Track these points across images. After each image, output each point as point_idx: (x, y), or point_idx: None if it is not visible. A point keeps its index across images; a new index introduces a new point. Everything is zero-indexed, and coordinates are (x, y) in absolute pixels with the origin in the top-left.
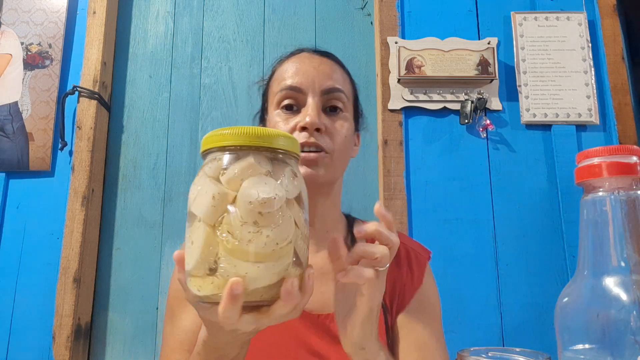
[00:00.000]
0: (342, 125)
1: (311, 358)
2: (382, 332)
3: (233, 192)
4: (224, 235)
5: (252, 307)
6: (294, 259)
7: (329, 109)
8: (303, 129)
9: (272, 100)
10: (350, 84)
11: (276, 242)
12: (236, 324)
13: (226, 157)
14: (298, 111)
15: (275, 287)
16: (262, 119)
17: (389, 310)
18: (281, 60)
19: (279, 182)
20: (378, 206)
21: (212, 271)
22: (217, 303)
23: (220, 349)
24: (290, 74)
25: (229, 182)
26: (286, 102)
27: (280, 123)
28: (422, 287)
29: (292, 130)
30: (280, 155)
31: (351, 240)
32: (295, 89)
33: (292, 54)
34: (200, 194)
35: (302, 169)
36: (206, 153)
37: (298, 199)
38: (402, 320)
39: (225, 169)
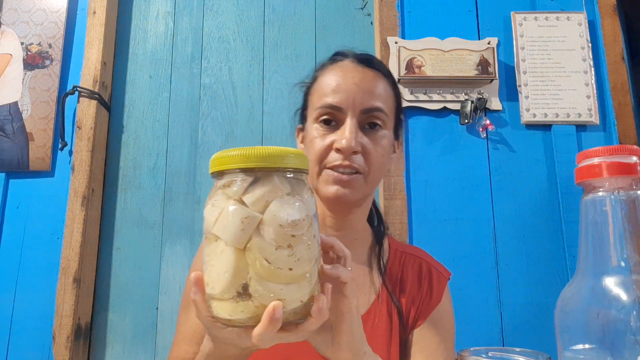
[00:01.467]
0: (380, 144)
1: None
2: (396, 345)
3: (260, 215)
4: (257, 259)
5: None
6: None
7: (368, 125)
8: (338, 150)
9: (312, 112)
10: (392, 95)
11: (307, 262)
12: (268, 344)
13: (248, 179)
14: (337, 126)
15: (307, 306)
16: (303, 123)
17: (405, 324)
18: (323, 66)
19: (300, 202)
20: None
21: (241, 295)
22: (249, 326)
23: None
24: (331, 89)
25: (255, 204)
26: (324, 117)
27: (317, 139)
28: (440, 305)
29: (329, 148)
30: (297, 174)
31: (379, 251)
32: (335, 108)
33: (334, 60)
34: (225, 217)
35: (334, 188)
36: (221, 173)
37: (315, 215)
38: (417, 335)
39: (248, 191)
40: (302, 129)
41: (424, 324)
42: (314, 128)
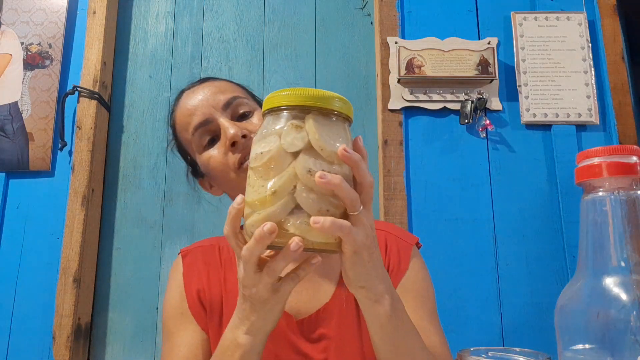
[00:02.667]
0: (260, 122)
1: (296, 358)
2: (366, 327)
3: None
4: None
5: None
6: (293, 207)
7: (239, 117)
8: (232, 145)
9: (192, 148)
10: (241, 88)
11: (270, 189)
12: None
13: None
14: (219, 138)
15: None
16: (195, 171)
17: None
18: (172, 112)
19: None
20: (359, 142)
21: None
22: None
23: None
24: (189, 114)
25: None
26: (207, 139)
27: (212, 159)
28: (408, 272)
29: (226, 151)
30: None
31: None
32: (204, 123)
33: (177, 99)
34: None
35: None
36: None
37: (307, 150)
38: None
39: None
40: (202, 177)
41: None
42: (204, 155)
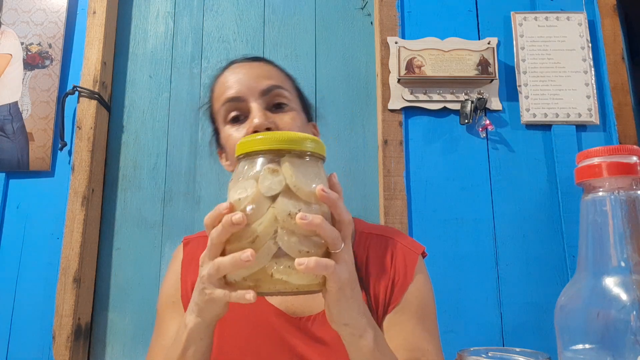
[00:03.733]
0: (293, 118)
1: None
2: None
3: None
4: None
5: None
6: (276, 251)
7: (274, 107)
8: (254, 132)
9: (219, 118)
10: (289, 79)
11: (251, 236)
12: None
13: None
14: (245, 119)
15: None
16: (217, 140)
17: (375, 309)
18: (215, 77)
19: (252, 182)
20: (334, 178)
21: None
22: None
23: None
24: (226, 86)
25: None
26: (232, 114)
27: (231, 136)
28: (413, 284)
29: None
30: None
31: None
32: (236, 99)
33: (224, 68)
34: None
35: None
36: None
37: (285, 193)
38: (390, 319)
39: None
40: (220, 149)
41: (398, 306)
42: (226, 129)
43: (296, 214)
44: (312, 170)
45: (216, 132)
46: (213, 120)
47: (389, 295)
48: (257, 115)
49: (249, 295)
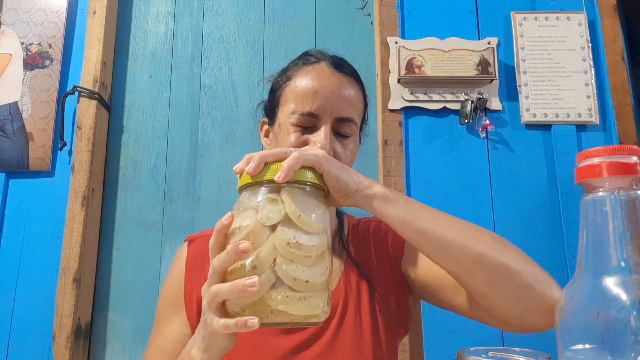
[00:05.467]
0: (350, 150)
1: (288, 357)
2: (366, 313)
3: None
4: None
5: None
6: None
7: (339, 134)
8: None
9: (286, 113)
10: (362, 100)
11: (251, 265)
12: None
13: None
14: (310, 129)
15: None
16: (270, 118)
17: (383, 281)
18: (298, 67)
19: (253, 212)
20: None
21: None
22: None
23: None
24: (309, 95)
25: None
26: (299, 121)
27: (290, 137)
28: (406, 249)
29: (303, 144)
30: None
31: (340, 234)
32: (312, 115)
33: (309, 61)
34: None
35: None
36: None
37: (285, 222)
38: (409, 265)
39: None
40: (267, 123)
41: (404, 256)
42: (287, 127)
43: (295, 243)
44: (311, 200)
45: (271, 110)
46: (276, 102)
47: (393, 253)
48: (323, 141)
49: (252, 322)
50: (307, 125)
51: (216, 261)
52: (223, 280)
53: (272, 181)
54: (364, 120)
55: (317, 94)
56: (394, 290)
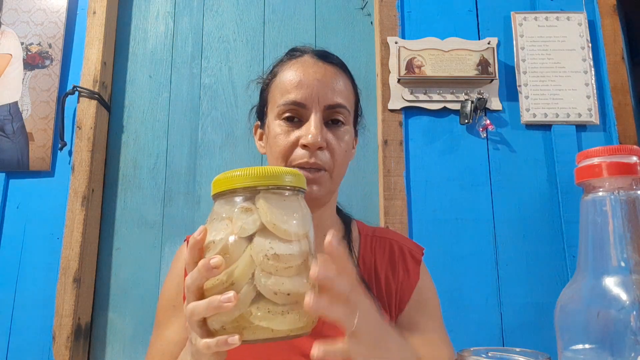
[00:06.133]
0: (343, 140)
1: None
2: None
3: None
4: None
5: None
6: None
7: (331, 121)
8: (304, 146)
9: (273, 109)
10: (352, 90)
11: (228, 280)
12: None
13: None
14: (300, 123)
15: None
16: (261, 120)
17: (388, 309)
18: (283, 62)
19: (225, 223)
20: (329, 239)
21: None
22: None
23: None
24: (293, 85)
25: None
26: (288, 114)
27: (281, 135)
28: (419, 284)
29: (294, 144)
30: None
31: (348, 240)
32: (299, 105)
33: (293, 56)
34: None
35: None
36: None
37: (261, 232)
38: (403, 319)
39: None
40: (260, 126)
41: (408, 306)
42: (276, 125)
43: (273, 255)
44: (290, 206)
45: (261, 111)
46: (265, 100)
47: (398, 297)
48: (314, 131)
49: (232, 339)
50: (295, 116)
51: (189, 279)
52: (200, 297)
53: (247, 188)
54: (358, 113)
55: (302, 83)
56: (396, 311)
